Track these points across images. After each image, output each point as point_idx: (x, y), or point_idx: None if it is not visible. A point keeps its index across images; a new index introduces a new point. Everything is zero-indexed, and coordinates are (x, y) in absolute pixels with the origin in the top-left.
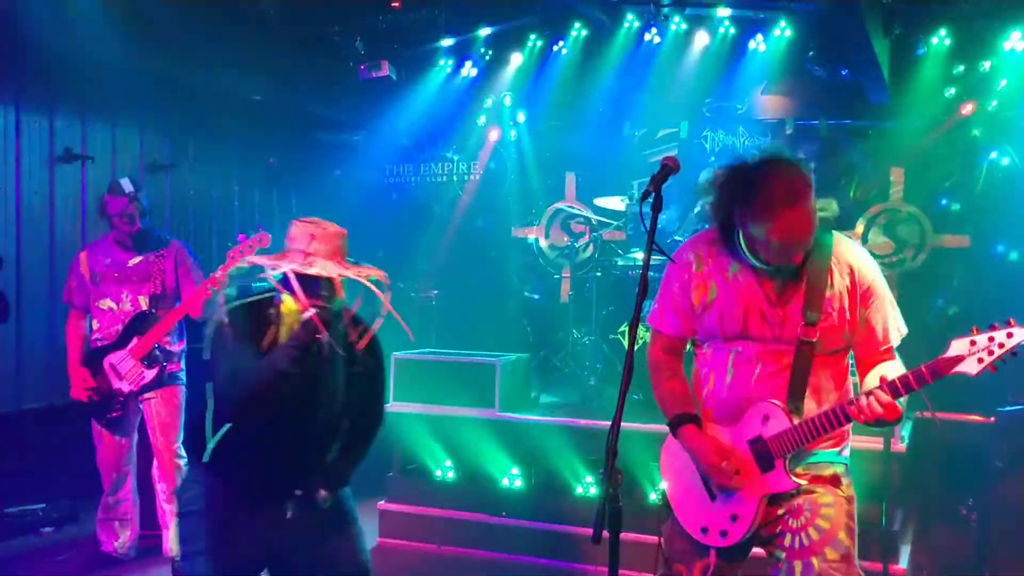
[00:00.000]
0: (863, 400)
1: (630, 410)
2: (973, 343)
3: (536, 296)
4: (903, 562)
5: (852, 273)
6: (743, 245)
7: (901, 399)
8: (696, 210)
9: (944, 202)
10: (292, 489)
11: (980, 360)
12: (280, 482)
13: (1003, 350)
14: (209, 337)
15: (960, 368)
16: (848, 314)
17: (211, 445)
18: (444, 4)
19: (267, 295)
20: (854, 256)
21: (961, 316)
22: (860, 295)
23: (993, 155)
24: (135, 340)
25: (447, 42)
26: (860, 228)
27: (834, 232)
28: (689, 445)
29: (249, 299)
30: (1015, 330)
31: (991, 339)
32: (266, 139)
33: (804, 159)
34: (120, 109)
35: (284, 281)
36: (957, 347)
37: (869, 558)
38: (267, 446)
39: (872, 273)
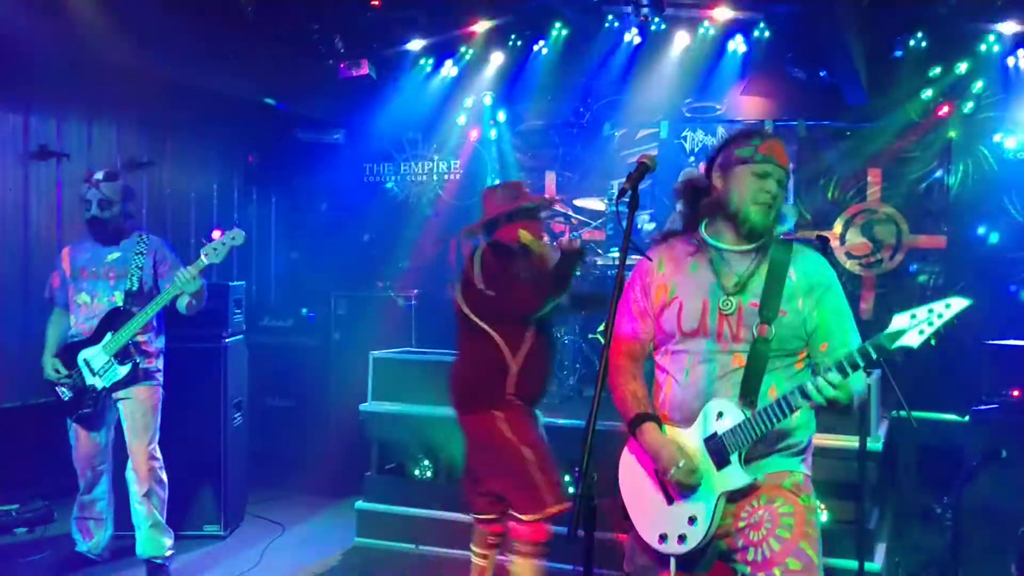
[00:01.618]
0: (811, 384)
1: (608, 409)
2: (913, 316)
3: None
4: (878, 560)
5: (809, 276)
6: (705, 231)
7: (853, 383)
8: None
9: (921, 202)
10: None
11: (921, 332)
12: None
13: (942, 321)
14: (492, 272)
15: (902, 342)
16: (803, 316)
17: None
18: (424, 3)
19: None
20: (812, 260)
21: None
22: (817, 298)
23: (997, 137)
24: (109, 336)
25: (427, 41)
26: (838, 228)
27: (795, 243)
28: (648, 443)
29: (489, 243)
30: (952, 300)
31: (930, 311)
32: (245, 137)
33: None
34: (97, 106)
35: (541, 214)
36: (898, 321)
37: (844, 556)
38: (552, 348)
39: (829, 278)
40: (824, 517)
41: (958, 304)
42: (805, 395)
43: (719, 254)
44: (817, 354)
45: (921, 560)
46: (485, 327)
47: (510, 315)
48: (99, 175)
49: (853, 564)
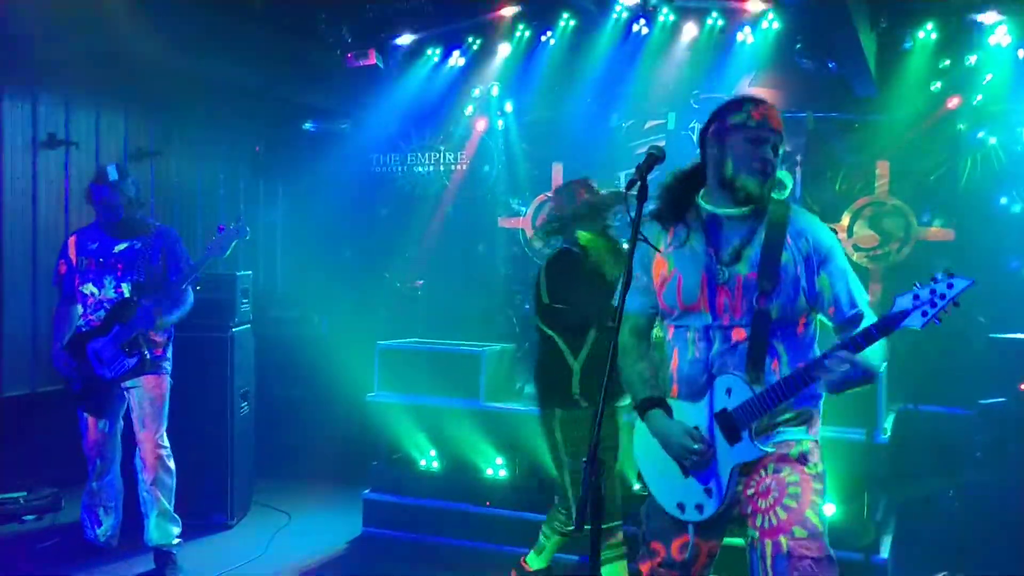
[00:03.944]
0: (825, 361)
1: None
2: (916, 297)
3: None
4: (884, 553)
5: (808, 241)
6: (702, 199)
7: (865, 362)
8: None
9: (930, 195)
10: None
11: (924, 313)
12: None
13: (945, 301)
14: (553, 281)
15: (907, 323)
16: (804, 281)
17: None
18: None
19: (561, 246)
20: (809, 224)
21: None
22: (817, 263)
23: (1007, 130)
24: (117, 327)
25: (434, 31)
26: (846, 221)
27: (791, 203)
28: (656, 429)
29: (557, 250)
30: (955, 280)
31: (932, 291)
32: (252, 127)
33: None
34: (105, 95)
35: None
36: (901, 303)
37: (850, 549)
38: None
39: (829, 240)
40: (830, 511)
41: (960, 283)
42: (811, 376)
43: (716, 223)
44: (826, 318)
45: (927, 553)
46: (550, 333)
47: (573, 323)
48: (114, 175)
49: (859, 557)
